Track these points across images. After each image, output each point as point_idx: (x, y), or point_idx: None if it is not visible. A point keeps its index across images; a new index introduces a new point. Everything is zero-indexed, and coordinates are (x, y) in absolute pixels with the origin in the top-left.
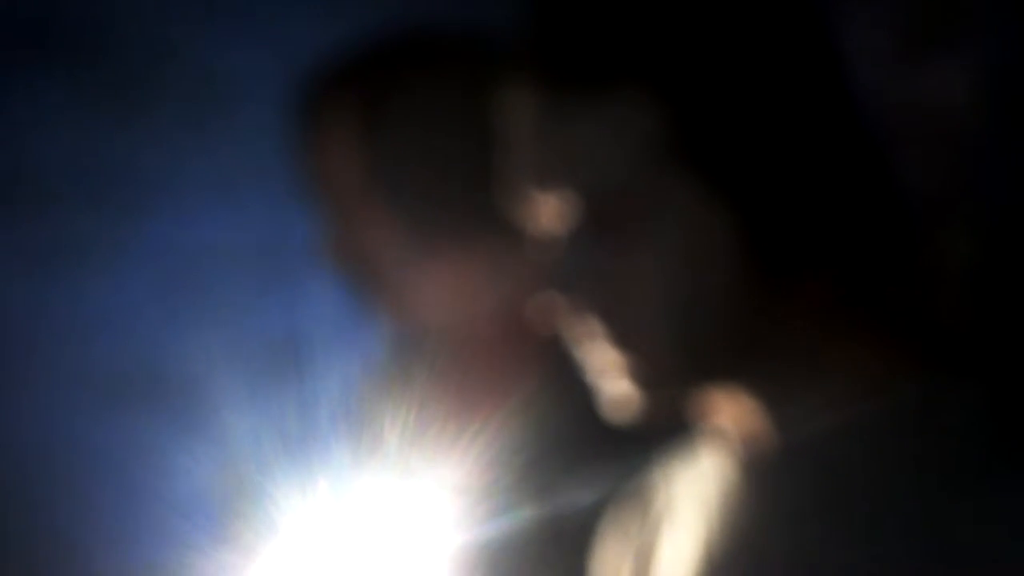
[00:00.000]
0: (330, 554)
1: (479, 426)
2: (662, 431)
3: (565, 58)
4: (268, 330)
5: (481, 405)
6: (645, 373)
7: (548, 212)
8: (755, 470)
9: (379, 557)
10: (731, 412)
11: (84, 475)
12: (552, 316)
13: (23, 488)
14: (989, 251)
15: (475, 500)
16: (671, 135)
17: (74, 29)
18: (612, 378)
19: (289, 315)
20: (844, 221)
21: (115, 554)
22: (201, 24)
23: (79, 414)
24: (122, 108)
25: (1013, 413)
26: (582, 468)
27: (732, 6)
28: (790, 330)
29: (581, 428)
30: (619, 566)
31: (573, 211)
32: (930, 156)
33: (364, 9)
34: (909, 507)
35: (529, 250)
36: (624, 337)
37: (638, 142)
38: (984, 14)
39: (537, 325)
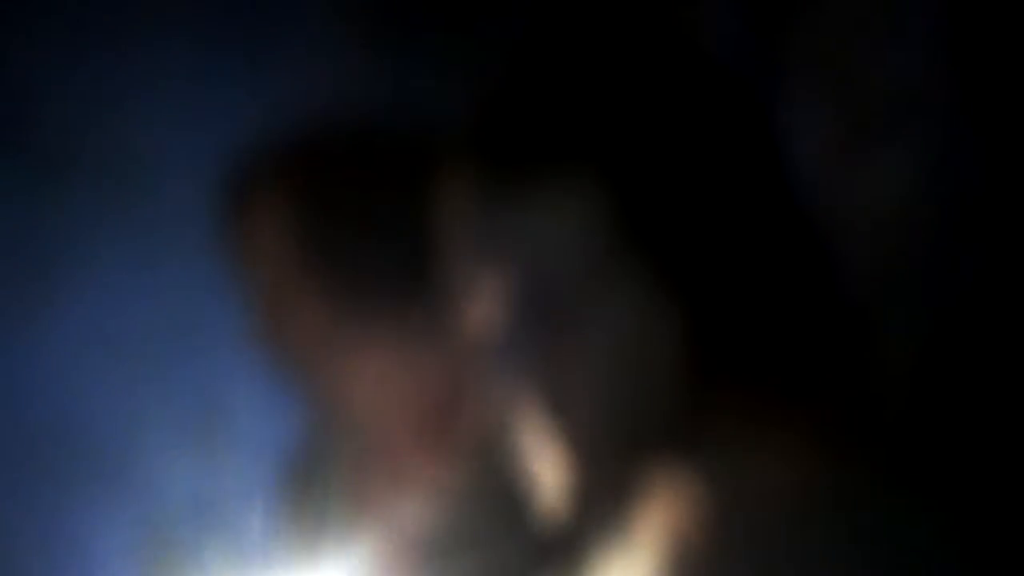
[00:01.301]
0: None
1: (392, 515)
2: (591, 528)
3: (508, 139)
4: (187, 406)
5: (398, 494)
6: (578, 471)
7: (488, 300)
8: (687, 562)
9: None
10: (661, 502)
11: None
12: (485, 406)
13: None
14: (927, 354)
15: None
16: (615, 220)
17: None
18: (543, 473)
19: (209, 392)
20: (788, 318)
21: None
22: (122, 100)
23: None
24: (41, 184)
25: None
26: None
27: (679, 93)
28: (725, 425)
29: (500, 524)
30: None
31: (513, 298)
32: (871, 254)
33: (294, 86)
34: None
35: (464, 336)
36: (559, 431)
37: (581, 227)
38: (926, 108)
39: (465, 416)
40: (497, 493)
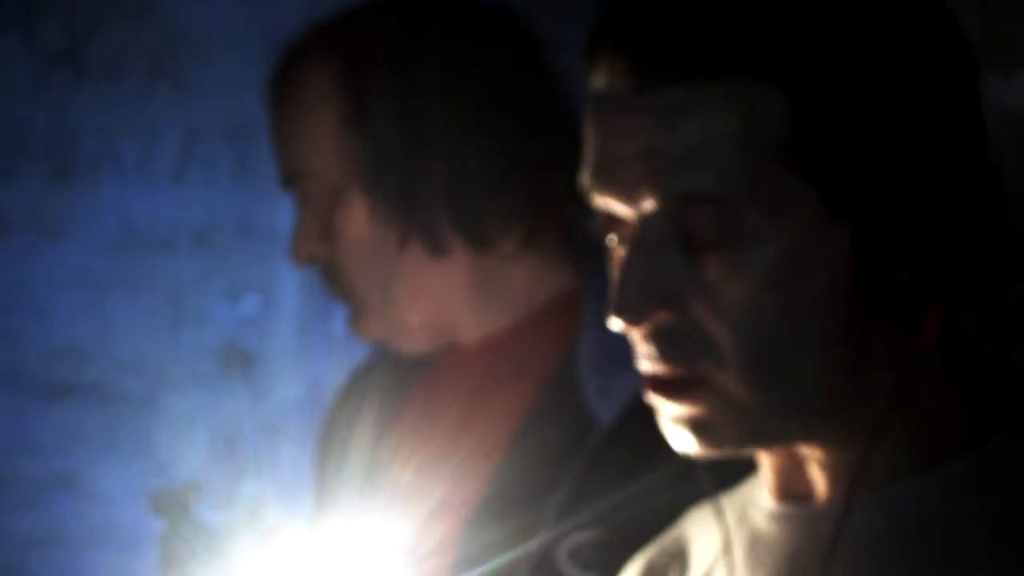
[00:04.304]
0: None
1: (465, 454)
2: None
3: (697, 28)
4: (228, 330)
5: (467, 433)
6: (722, 433)
7: (616, 223)
8: (824, 525)
9: None
10: (802, 461)
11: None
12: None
13: None
14: None
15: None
16: (801, 136)
17: None
18: (677, 430)
19: (254, 313)
20: (962, 258)
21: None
22: None
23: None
24: (86, 66)
25: None
26: (577, 502)
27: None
28: (884, 386)
29: (585, 458)
30: None
31: (660, 221)
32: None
33: None
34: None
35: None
36: (699, 382)
37: (753, 140)
38: None
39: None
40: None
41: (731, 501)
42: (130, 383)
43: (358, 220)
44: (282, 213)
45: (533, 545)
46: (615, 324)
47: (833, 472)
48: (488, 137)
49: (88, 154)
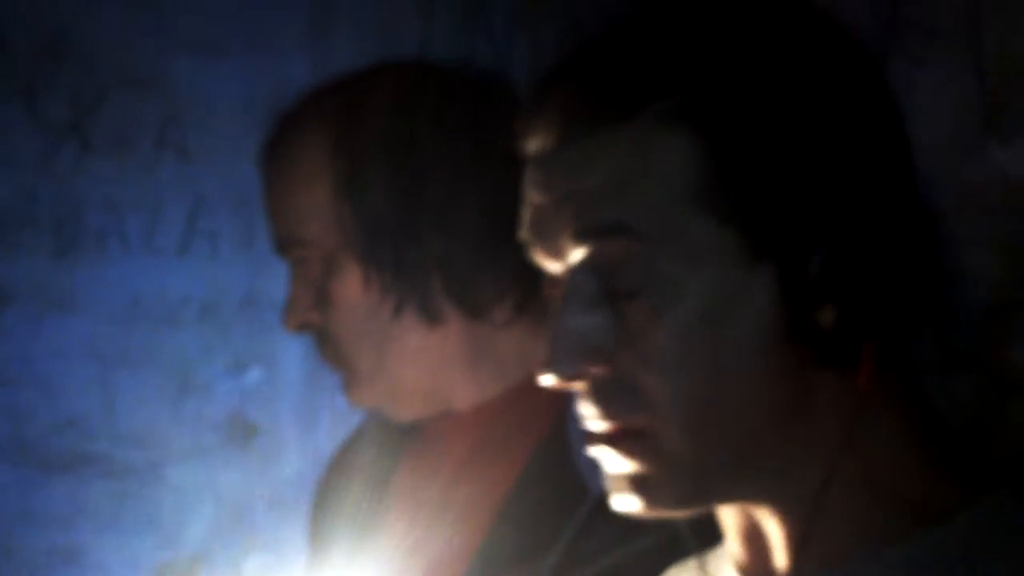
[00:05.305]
0: None
1: (458, 518)
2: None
3: (600, 81)
4: (232, 402)
5: (460, 497)
6: (663, 490)
7: (556, 284)
8: None
9: None
10: (760, 527)
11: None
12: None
13: None
14: None
15: None
16: (711, 175)
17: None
18: (619, 491)
19: (258, 385)
20: (897, 301)
21: None
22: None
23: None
24: (92, 139)
25: None
26: (570, 564)
27: (786, 38)
28: (828, 435)
29: (574, 529)
30: None
31: (584, 273)
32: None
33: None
34: None
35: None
36: (636, 434)
37: (663, 181)
38: None
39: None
40: (560, 502)
41: (707, 564)
42: (135, 456)
43: (351, 287)
44: (285, 284)
45: None
46: (548, 380)
47: (793, 543)
48: (481, 206)
49: (93, 227)
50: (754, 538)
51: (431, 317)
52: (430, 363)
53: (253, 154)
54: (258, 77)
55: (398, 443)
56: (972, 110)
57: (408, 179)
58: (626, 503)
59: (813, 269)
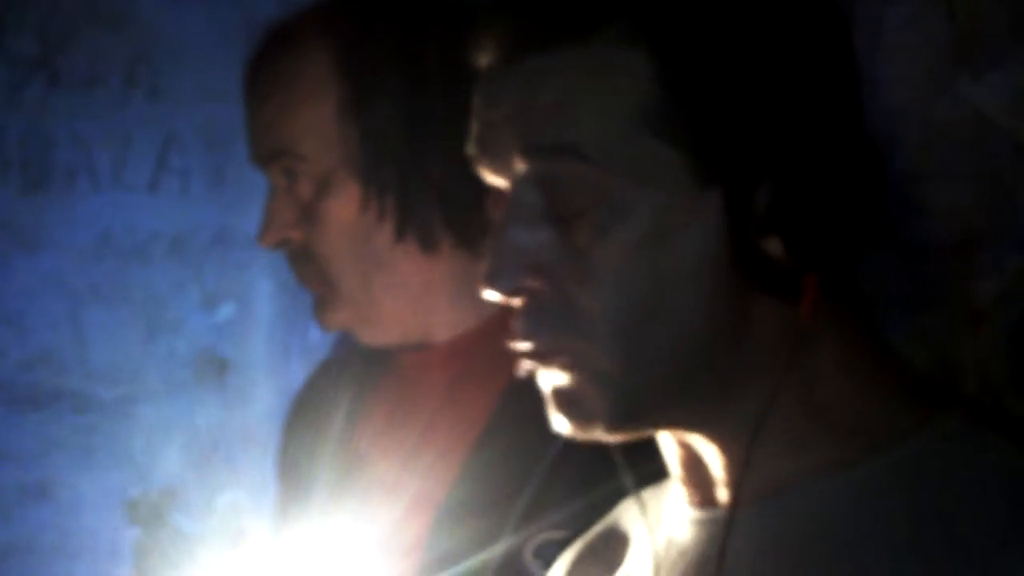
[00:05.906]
0: None
1: (434, 456)
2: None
3: (542, 11)
4: (203, 338)
5: (436, 434)
6: (591, 407)
7: (500, 199)
8: (734, 529)
9: None
10: (701, 458)
11: None
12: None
13: None
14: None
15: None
16: (664, 99)
17: None
18: (553, 409)
19: (229, 321)
20: (847, 227)
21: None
22: None
23: None
24: (60, 74)
25: None
26: (541, 506)
27: None
28: (769, 363)
29: (545, 461)
30: None
31: (529, 187)
32: (965, 185)
33: None
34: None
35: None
36: (575, 353)
37: (615, 102)
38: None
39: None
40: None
41: (658, 497)
42: (106, 392)
43: (347, 207)
44: (257, 222)
45: (499, 546)
46: (488, 295)
47: (734, 471)
48: None
49: (62, 163)
50: (696, 467)
51: (428, 246)
52: (418, 290)
53: (225, 93)
54: (229, 15)
55: (375, 377)
56: (942, 46)
57: (416, 106)
58: (559, 423)
59: (760, 199)
